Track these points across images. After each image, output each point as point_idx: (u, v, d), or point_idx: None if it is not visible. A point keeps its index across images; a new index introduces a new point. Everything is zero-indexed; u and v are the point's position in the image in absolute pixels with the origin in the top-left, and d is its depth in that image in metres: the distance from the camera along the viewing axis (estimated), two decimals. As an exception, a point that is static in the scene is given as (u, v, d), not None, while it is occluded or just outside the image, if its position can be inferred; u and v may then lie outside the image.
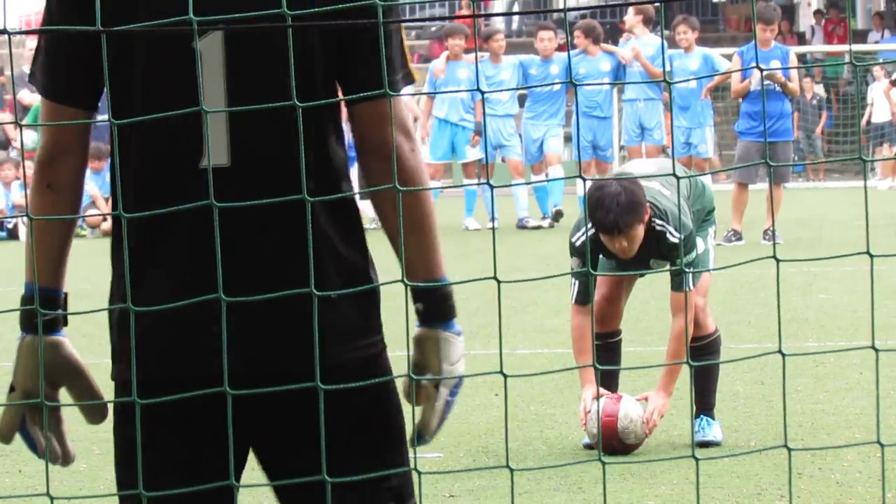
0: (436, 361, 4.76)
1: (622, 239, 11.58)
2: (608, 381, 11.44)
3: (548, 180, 32.06)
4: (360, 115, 4.72)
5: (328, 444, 4.44)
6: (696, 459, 5.40)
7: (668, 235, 11.61)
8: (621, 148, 33.80)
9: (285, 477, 4.80)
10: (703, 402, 11.46)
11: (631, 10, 35.50)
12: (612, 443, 10.65)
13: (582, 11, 42.45)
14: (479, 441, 9.30)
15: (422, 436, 4.72)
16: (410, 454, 4.75)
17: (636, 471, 9.43)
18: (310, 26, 4.56)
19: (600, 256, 11.55)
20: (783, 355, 4.95)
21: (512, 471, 5.04)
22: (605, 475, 5.33)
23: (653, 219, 11.80)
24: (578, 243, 11.66)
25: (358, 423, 4.72)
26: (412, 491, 4.88)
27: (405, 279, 4.64)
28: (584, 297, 11.26)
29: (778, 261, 4.98)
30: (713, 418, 11.56)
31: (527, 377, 5.07)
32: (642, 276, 11.88)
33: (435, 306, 4.81)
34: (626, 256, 11.85)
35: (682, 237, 11.73)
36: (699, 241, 11.55)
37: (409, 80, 4.87)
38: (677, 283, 11.54)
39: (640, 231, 11.93)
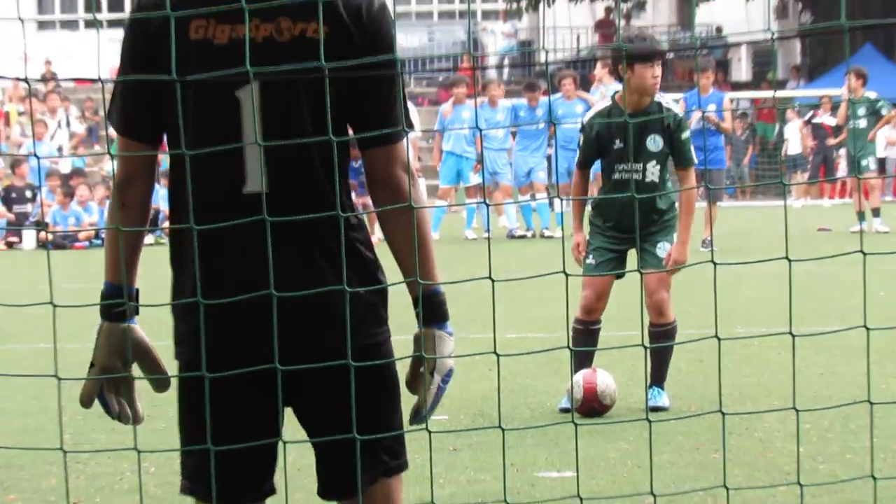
0: (432, 348, 4.86)
1: (656, 66, 12.03)
2: (586, 360, 11.46)
3: (534, 200, 32.35)
4: (371, 156, 4.83)
5: (345, 406, 4.63)
6: (650, 422, 5.37)
7: (668, 108, 12.33)
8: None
9: (314, 426, 4.95)
10: (657, 376, 11.51)
11: (599, 63, 35.80)
12: (593, 404, 10.64)
13: (559, 64, 42.46)
14: (476, 406, 9.26)
15: (419, 414, 4.82)
16: (410, 416, 4.84)
17: (601, 430, 9.38)
18: (323, 78, 4.58)
19: (599, 253, 11.93)
20: (718, 339, 4.92)
21: (503, 430, 5.04)
22: (577, 433, 5.29)
23: (660, 97, 12.43)
24: (587, 120, 12.90)
25: (367, 393, 4.78)
26: (402, 451, 4.98)
27: (419, 279, 4.73)
28: (582, 162, 12.68)
29: (715, 264, 4.95)
30: (663, 389, 11.62)
31: (514, 356, 5.04)
32: (621, 277, 11.63)
33: (431, 310, 4.89)
34: (644, 89, 12.06)
35: (678, 112, 12.47)
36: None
37: (410, 128, 4.88)
38: (684, 160, 12.29)
39: (658, 76, 12.13)
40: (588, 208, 12.89)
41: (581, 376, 10.81)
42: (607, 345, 11.35)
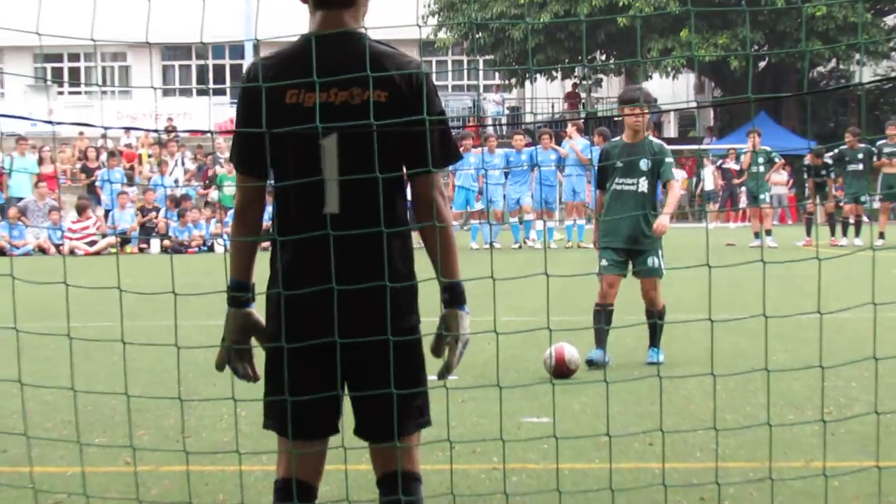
0: (455, 328, 4.87)
1: (637, 122, 12.89)
2: (603, 334, 11.98)
3: (521, 222, 32.41)
4: (416, 184, 4.89)
5: (385, 375, 4.83)
6: (607, 382, 5.31)
7: (655, 142, 13.20)
8: (562, 203, 33.62)
9: (362, 385, 4.95)
10: (653, 340, 12.00)
11: (569, 123, 35.72)
12: (563, 369, 10.62)
13: (539, 124, 42.33)
14: (479, 370, 9.14)
15: (449, 370, 4.85)
16: (433, 380, 4.92)
17: (568, 388, 9.34)
18: (386, 132, 4.74)
19: (609, 254, 12.41)
20: (657, 323, 4.89)
21: (500, 388, 4.99)
22: (554, 389, 5.24)
23: (649, 135, 13.40)
24: (602, 147, 14.30)
25: (403, 365, 4.83)
26: (428, 410, 5.01)
27: (444, 280, 4.90)
28: (600, 184, 13.23)
29: (655, 269, 4.88)
30: (659, 349, 12.11)
31: (507, 334, 5.01)
32: (625, 276, 12.33)
33: (455, 296, 4.92)
34: (636, 129, 12.93)
35: (663, 146, 13.26)
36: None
37: (455, 160, 5.06)
38: (667, 175, 12.94)
39: (644, 121, 13.25)
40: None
41: (553, 349, 10.79)
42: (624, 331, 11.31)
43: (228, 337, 4.95)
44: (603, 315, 12.19)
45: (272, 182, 4.97)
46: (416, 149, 4.84)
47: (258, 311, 4.96)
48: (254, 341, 4.98)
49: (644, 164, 12.72)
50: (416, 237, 4.95)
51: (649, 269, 12.22)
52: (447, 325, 4.91)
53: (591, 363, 11.84)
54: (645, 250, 12.47)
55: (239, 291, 4.96)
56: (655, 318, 12.33)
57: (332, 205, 4.78)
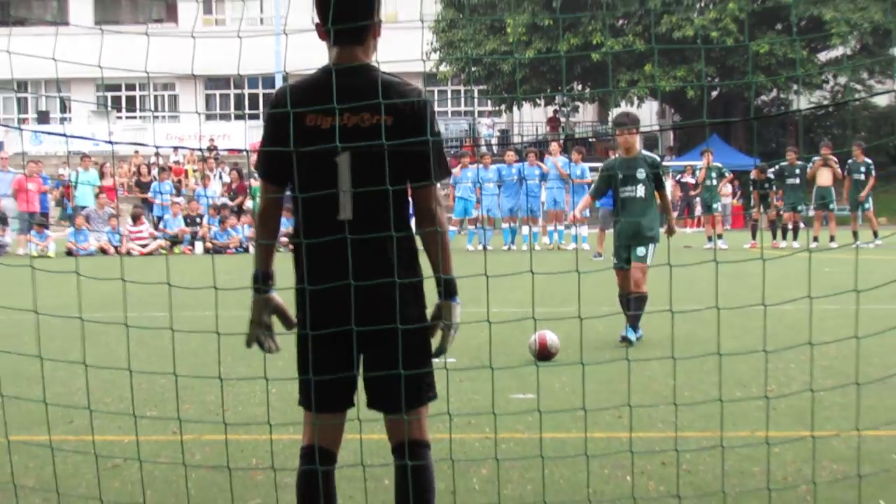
0: (448, 317, 4.94)
1: (631, 138, 13.56)
2: (627, 312, 12.64)
3: (510, 228, 32.37)
4: (417, 195, 4.93)
5: (396, 357, 4.85)
6: (583, 364, 5.28)
7: (648, 155, 13.90)
8: (544, 212, 33.51)
9: (375, 365, 4.96)
10: (633, 322, 12.32)
11: (552, 143, 35.66)
12: (545, 352, 10.59)
13: (526, 143, 42.31)
14: (474, 354, 9.11)
15: (443, 352, 4.93)
16: (436, 362, 4.95)
17: (550, 369, 9.29)
18: (391, 151, 4.77)
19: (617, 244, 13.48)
20: (626, 313, 4.85)
21: (492, 369, 4.97)
22: (538, 371, 5.21)
23: (641, 150, 13.96)
24: (605, 164, 14.84)
25: (414, 347, 4.88)
26: (434, 386, 5.03)
27: (438, 276, 4.94)
28: (595, 193, 14.30)
29: (626, 268, 4.85)
30: (635, 331, 12.37)
31: (497, 323, 5.01)
32: (629, 266, 12.95)
33: (448, 290, 4.96)
34: (628, 146, 13.47)
35: (656, 158, 14.02)
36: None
37: (447, 175, 5.07)
38: (660, 186, 13.54)
39: (634, 139, 13.78)
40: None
41: (537, 335, 10.77)
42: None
43: (255, 318, 5.00)
44: (624, 301, 12.96)
45: (289, 193, 5.05)
46: (418, 165, 4.87)
47: (279, 297, 5.01)
48: (279, 327, 5.01)
49: (640, 174, 13.24)
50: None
51: (639, 257, 12.87)
52: (441, 314, 4.96)
53: (624, 341, 12.40)
54: (639, 243, 13.03)
55: (263, 280, 5.00)
56: (637, 301, 12.79)
57: (346, 212, 4.83)
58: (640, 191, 13.32)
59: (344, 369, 4.92)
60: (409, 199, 5.01)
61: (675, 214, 14.54)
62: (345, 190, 4.85)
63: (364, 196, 4.85)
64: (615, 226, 13.89)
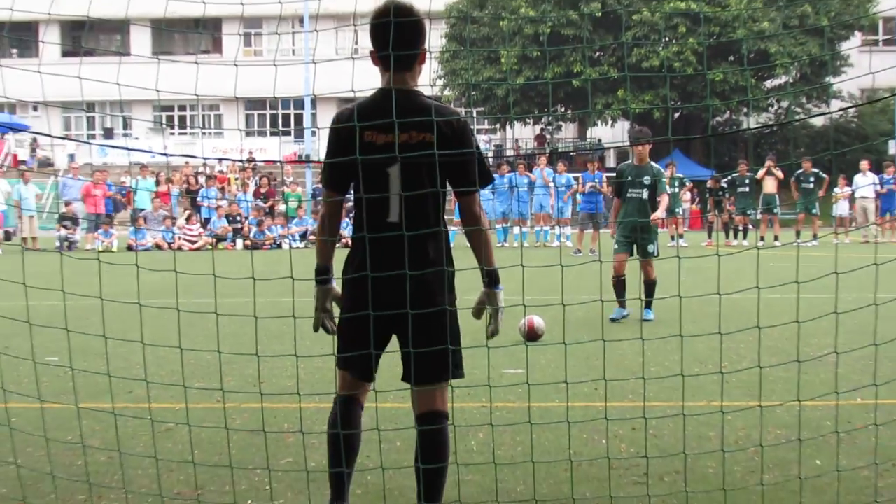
0: (494, 302, 5.04)
1: (645, 150, 14.06)
2: (621, 296, 12.97)
3: (503, 228, 32.36)
4: (462, 200, 5.04)
5: (425, 337, 4.93)
6: (565, 344, 5.26)
7: (655, 166, 14.22)
8: (532, 215, 33.46)
9: (407, 342, 4.95)
10: (647, 303, 12.60)
11: (540, 156, 35.62)
12: (532, 334, 10.58)
13: (516, 156, 42.36)
14: (472, 335, 9.19)
15: (496, 333, 5.06)
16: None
17: (536, 348, 9.26)
18: (433, 163, 4.90)
19: (620, 238, 13.76)
20: (602, 301, 4.84)
21: (488, 348, 4.95)
22: (527, 349, 5.17)
23: (650, 160, 14.23)
24: (619, 168, 14.71)
25: (444, 329, 4.93)
26: (462, 365, 5.08)
27: (484, 268, 5.07)
28: (615, 193, 14.36)
29: (601, 261, 4.83)
30: (651, 310, 12.78)
31: (502, 310, 5.07)
32: (631, 255, 13.21)
33: (492, 279, 5.03)
34: (641, 157, 14.02)
35: (661, 169, 14.34)
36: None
37: (490, 181, 5.17)
38: (660, 191, 13.91)
39: (647, 150, 14.15)
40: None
41: (526, 319, 10.75)
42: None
43: (319, 305, 5.03)
44: (618, 283, 13.10)
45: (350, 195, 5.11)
46: (462, 174, 4.93)
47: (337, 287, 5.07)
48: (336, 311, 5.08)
49: (647, 180, 13.85)
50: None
51: (646, 253, 13.21)
52: (488, 300, 5.02)
53: (613, 320, 12.73)
54: (646, 239, 13.43)
55: (324, 274, 5.03)
56: (650, 286, 13.11)
57: (394, 215, 4.86)
58: (645, 194, 13.83)
59: (376, 346, 4.97)
60: (449, 204, 5.10)
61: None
62: (396, 194, 4.89)
63: (409, 201, 4.86)
64: (616, 223, 14.27)
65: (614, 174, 15.74)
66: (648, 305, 13.07)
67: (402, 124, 4.84)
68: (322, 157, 5.15)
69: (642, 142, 14.13)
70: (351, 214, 5.29)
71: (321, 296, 5.04)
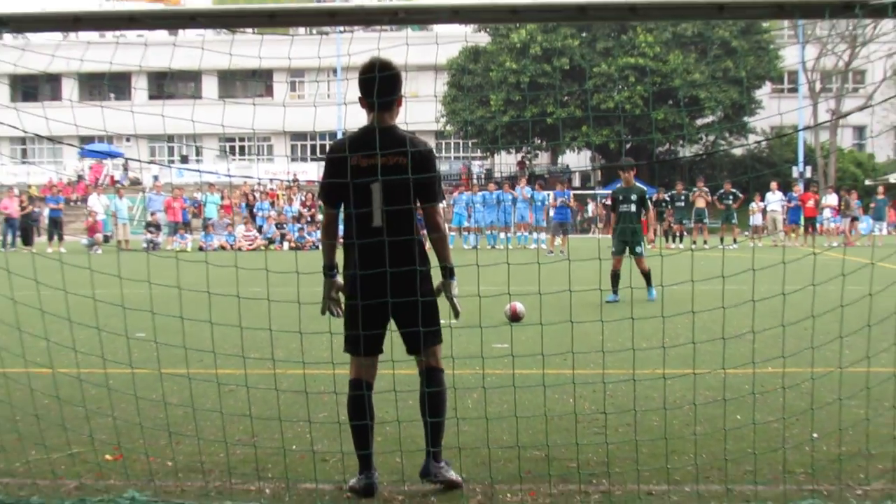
0: (449, 290, 5.04)
1: (629, 171, 14.71)
2: (615, 287, 13.44)
3: (491, 234, 32.39)
4: (426, 211, 5.04)
5: (415, 317, 4.94)
6: (542, 325, 5.24)
7: (639, 185, 14.72)
8: (515, 224, 33.50)
9: (403, 323, 5.04)
10: (648, 284, 13.73)
11: (521, 178, 35.72)
12: (515, 316, 10.58)
13: (503, 178, 42.57)
14: (468, 317, 9.13)
15: (457, 314, 5.06)
16: (446, 322, 5.03)
17: (519, 327, 9.25)
18: (406, 181, 4.97)
19: (619, 230, 14.44)
20: (570, 292, 4.81)
21: (481, 328, 4.93)
22: (511, 328, 5.16)
23: (635, 181, 14.81)
24: (613, 190, 15.05)
25: (426, 311, 4.96)
26: (440, 333, 5.11)
27: (442, 264, 5.07)
28: (611, 209, 14.83)
29: (570, 261, 4.81)
30: (653, 289, 13.69)
31: (484, 297, 4.99)
32: (624, 255, 13.98)
33: (447, 273, 5.04)
34: (627, 180, 14.55)
35: (644, 188, 14.90)
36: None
37: (443, 199, 5.29)
38: (646, 207, 14.56)
39: (632, 174, 14.80)
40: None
41: (510, 305, 10.76)
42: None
43: (326, 294, 5.07)
44: (614, 276, 13.54)
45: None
46: (426, 192, 4.95)
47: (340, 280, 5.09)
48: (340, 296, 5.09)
49: (633, 197, 14.38)
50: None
51: (637, 252, 14.07)
52: (444, 288, 5.05)
53: (608, 302, 12.91)
54: (635, 242, 14.12)
55: (329, 270, 5.07)
56: (646, 276, 13.95)
57: (377, 221, 4.89)
58: (633, 208, 14.39)
59: (379, 328, 5.02)
60: (419, 214, 5.13)
61: (600, 225, 15.39)
62: (377, 207, 4.90)
63: (389, 211, 4.89)
64: (614, 232, 14.62)
65: (584, 191, 16.45)
66: (649, 285, 13.81)
67: (382, 150, 4.91)
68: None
69: (614, 166, 14.98)
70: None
71: (328, 287, 5.09)
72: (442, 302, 5.12)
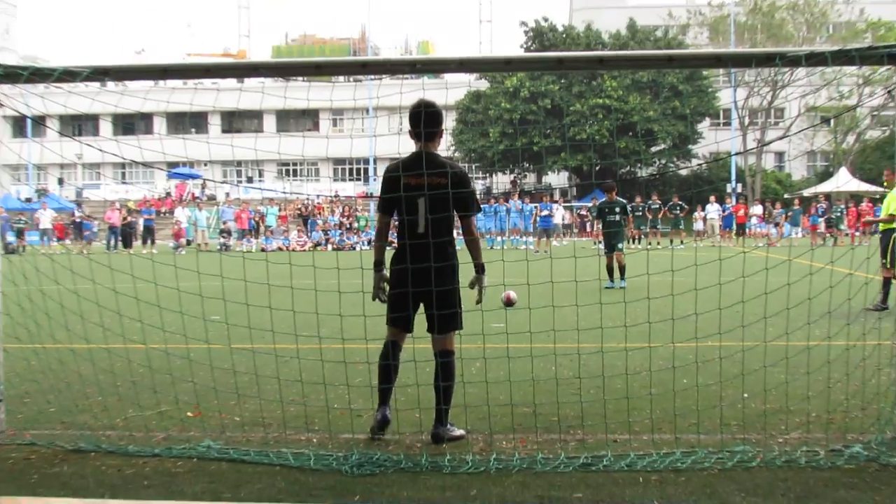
0: (479, 282, 5.10)
1: (613, 192, 14.59)
2: (611, 276, 13.73)
3: (489, 239, 32.13)
4: (463, 221, 5.04)
5: (441, 304, 4.97)
6: (530, 309, 5.21)
7: (620, 200, 14.47)
8: (509, 229, 33.41)
9: (430, 307, 5.03)
10: (622, 276, 13.58)
11: (514, 193, 35.59)
12: (509, 302, 10.56)
13: (498, 193, 42.63)
14: (470, 304, 9.08)
15: (479, 301, 5.09)
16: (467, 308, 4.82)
17: (513, 311, 9.20)
18: (447, 196, 4.94)
19: (606, 219, 14.51)
20: (552, 283, 4.77)
21: (482, 311, 4.90)
22: (506, 312, 5.12)
23: (616, 196, 14.63)
24: (598, 203, 14.88)
25: (449, 299, 4.99)
26: (461, 321, 5.13)
27: (475, 262, 5.09)
28: (596, 218, 15.62)
29: (552, 257, 4.77)
30: (624, 280, 13.64)
31: (483, 287, 4.99)
32: (612, 255, 13.95)
33: (479, 269, 5.06)
34: (611, 195, 14.45)
35: (624, 202, 14.74)
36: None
37: (478, 210, 5.13)
38: (625, 218, 14.41)
39: (615, 193, 14.66)
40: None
41: (505, 292, 10.74)
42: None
43: (375, 284, 5.04)
44: (609, 270, 13.79)
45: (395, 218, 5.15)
46: (463, 204, 4.95)
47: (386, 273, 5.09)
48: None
49: (617, 209, 14.40)
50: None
51: (619, 249, 14.16)
52: (477, 281, 5.11)
53: (607, 288, 13.15)
54: (618, 241, 14.22)
55: (378, 265, 5.02)
56: (622, 270, 13.83)
57: (422, 228, 4.89)
58: (617, 217, 14.43)
59: (412, 308, 5.04)
60: (458, 223, 5.19)
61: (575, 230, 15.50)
62: (422, 216, 4.93)
63: (432, 220, 4.91)
64: (604, 235, 14.64)
65: (564, 204, 16.57)
66: (623, 277, 13.77)
67: (427, 171, 4.91)
68: (378, 194, 5.19)
69: (593, 183, 15.26)
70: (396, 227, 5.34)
71: (377, 279, 5.06)
72: (468, 292, 5.17)
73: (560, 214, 34.33)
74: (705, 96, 49.15)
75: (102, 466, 4.74)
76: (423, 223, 4.97)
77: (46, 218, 35.17)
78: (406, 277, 4.95)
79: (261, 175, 62.39)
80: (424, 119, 5.02)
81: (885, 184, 11.85)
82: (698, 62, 5.85)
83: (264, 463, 4.74)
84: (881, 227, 11.11)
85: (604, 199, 15.16)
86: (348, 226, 37.64)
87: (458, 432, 5.16)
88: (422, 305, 5.11)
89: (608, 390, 5.96)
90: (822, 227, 33.37)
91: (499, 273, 5.88)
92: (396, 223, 5.18)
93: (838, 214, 34.81)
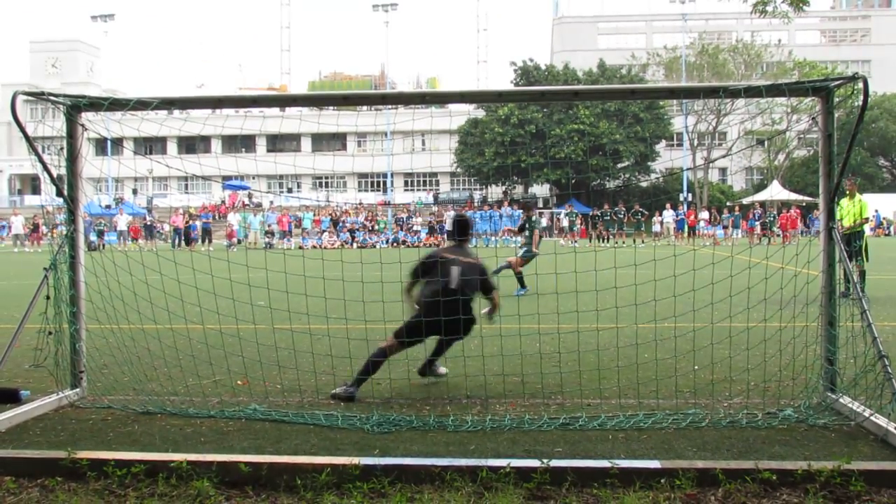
0: (490, 318, 5.39)
1: (530, 210, 11.69)
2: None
3: (485, 239, 32.04)
4: (484, 293, 5.32)
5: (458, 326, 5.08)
6: (518, 296, 5.16)
7: (532, 219, 11.37)
8: (501, 230, 33.41)
9: (446, 335, 5.23)
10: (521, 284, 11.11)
11: (507, 203, 35.45)
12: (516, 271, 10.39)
13: (494, 202, 42.38)
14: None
15: (488, 321, 5.37)
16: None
17: (505, 299, 9.13)
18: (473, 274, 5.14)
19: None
20: (537, 275, 4.73)
21: (479, 300, 4.84)
22: (499, 301, 5.05)
23: (531, 213, 11.59)
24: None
25: (466, 323, 5.17)
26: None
27: (490, 305, 5.35)
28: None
29: (537, 254, 4.70)
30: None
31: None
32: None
33: (493, 310, 5.43)
34: (529, 216, 11.56)
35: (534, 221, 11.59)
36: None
37: (495, 287, 5.41)
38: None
39: (531, 212, 11.69)
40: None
41: (505, 260, 10.18)
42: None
43: (409, 306, 5.35)
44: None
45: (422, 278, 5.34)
46: (486, 285, 5.33)
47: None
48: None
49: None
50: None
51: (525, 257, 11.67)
52: (489, 316, 5.45)
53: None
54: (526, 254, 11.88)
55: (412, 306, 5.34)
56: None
57: (455, 284, 5.14)
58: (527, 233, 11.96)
59: (424, 336, 5.24)
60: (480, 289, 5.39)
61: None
62: (455, 277, 5.17)
63: (461, 281, 5.17)
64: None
65: (545, 209, 15.26)
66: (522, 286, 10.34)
67: (460, 253, 5.33)
68: (393, 211, 5.29)
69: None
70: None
71: (409, 307, 5.40)
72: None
73: (545, 218, 34.25)
74: (662, 122, 49.07)
75: (167, 426, 4.74)
76: (455, 282, 5.24)
77: (123, 221, 35.25)
78: (432, 317, 5.13)
79: (299, 187, 62.36)
80: (458, 227, 5.57)
81: (847, 192, 11.16)
82: (656, 94, 5.90)
83: (300, 423, 4.72)
84: (848, 230, 10.06)
85: (524, 215, 13.27)
86: (370, 228, 37.61)
87: (442, 370, 5.70)
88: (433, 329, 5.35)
89: (583, 363, 5.93)
90: (758, 229, 33.32)
91: (492, 267, 5.82)
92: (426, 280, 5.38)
93: (771, 219, 34.74)
